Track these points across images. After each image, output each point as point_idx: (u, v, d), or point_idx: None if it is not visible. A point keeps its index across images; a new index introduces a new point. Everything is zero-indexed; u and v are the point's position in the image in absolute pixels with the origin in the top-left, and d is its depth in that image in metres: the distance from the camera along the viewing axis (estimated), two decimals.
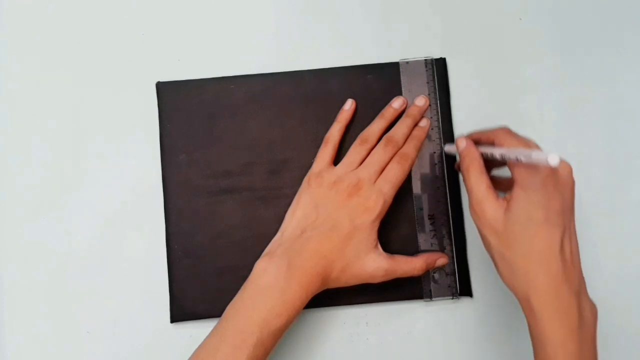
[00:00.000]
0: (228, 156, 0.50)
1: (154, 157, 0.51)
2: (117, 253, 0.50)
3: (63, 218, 0.51)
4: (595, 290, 0.50)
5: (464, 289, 0.49)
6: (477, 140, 0.44)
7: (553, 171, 0.39)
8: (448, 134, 0.51)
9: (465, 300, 0.50)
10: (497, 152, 0.41)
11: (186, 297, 0.49)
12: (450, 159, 0.50)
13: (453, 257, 0.49)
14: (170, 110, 0.51)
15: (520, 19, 0.53)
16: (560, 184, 0.39)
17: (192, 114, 0.51)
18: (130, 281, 0.50)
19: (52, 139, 0.51)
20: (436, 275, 0.49)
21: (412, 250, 0.49)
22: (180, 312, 0.49)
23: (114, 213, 0.51)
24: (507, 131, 0.42)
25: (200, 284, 0.49)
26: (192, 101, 0.51)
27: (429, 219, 0.49)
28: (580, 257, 0.41)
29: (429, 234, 0.49)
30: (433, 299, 0.49)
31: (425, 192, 0.50)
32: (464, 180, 0.43)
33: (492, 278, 0.50)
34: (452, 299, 0.49)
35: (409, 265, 0.46)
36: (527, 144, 0.41)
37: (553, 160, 0.35)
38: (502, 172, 0.46)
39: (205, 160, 0.50)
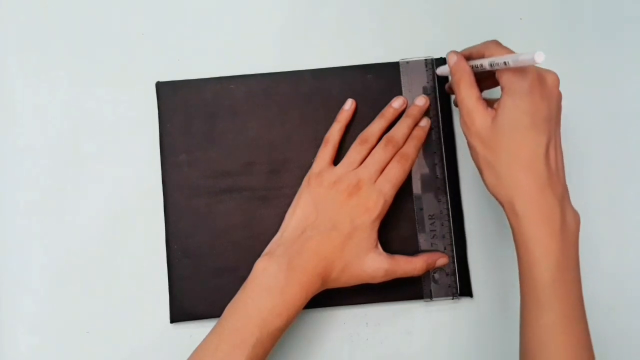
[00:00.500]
0: (228, 156, 0.50)
1: (154, 157, 0.51)
2: (117, 253, 0.50)
3: (63, 218, 0.51)
4: (595, 289, 0.50)
5: (464, 289, 0.49)
6: (468, 55, 0.44)
7: (540, 78, 0.40)
8: (449, 134, 0.50)
9: (465, 300, 0.50)
10: (486, 62, 0.42)
11: (186, 297, 0.49)
12: (449, 144, 0.50)
13: (453, 257, 0.49)
14: (170, 110, 0.51)
15: (521, 19, 0.53)
16: (546, 92, 0.40)
17: (192, 114, 0.51)
18: (130, 281, 0.50)
19: (51, 139, 0.51)
20: (436, 276, 0.49)
21: (412, 250, 0.49)
22: (180, 312, 0.49)
23: (114, 213, 0.51)
24: (496, 43, 0.43)
25: (200, 284, 0.49)
26: (192, 101, 0.51)
27: (429, 219, 0.49)
28: (578, 231, 0.41)
29: (429, 234, 0.49)
30: (433, 299, 0.49)
31: (426, 192, 0.50)
32: (455, 93, 0.43)
33: (492, 278, 0.50)
34: (452, 299, 0.49)
35: (410, 265, 0.46)
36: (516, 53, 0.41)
37: (539, 57, 0.36)
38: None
39: (205, 160, 0.50)
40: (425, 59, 0.51)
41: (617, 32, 0.53)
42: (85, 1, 0.53)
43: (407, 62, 0.51)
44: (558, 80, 0.41)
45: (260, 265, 0.43)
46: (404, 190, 0.49)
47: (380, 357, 0.49)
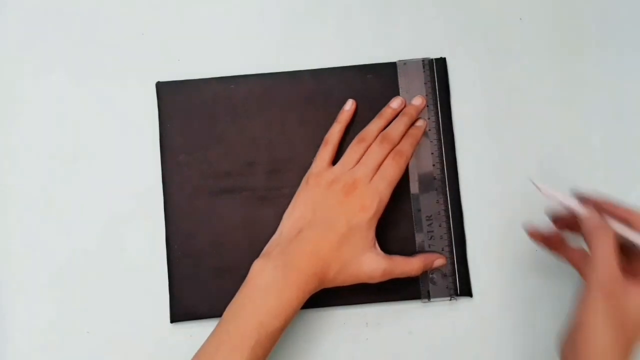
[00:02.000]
0: (228, 156, 0.50)
1: (154, 157, 0.51)
2: (117, 253, 0.50)
3: (63, 218, 0.51)
4: None
5: (464, 289, 0.49)
6: (604, 208, 0.39)
7: None
8: (448, 134, 0.50)
9: (464, 301, 0.50)
10: (638, 239, 0.37)
11: (186, 297, 0.49)
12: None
13: (452, 258, 0.49)
14: (170, 110, 0.51)
15: (521, 19, 0.53)
16: None
17: (192, 114, 0.51)
18: (130, 281, 0.50)
19: (51, 139, 0.52)
20: (434, 276, 0.49)
21: (410, 250, 0.49)
22: (180, 312, 0.49)
23: (114, 213, 0.51)
24: None
25: (200, 284, 0.49)
26: (192, 101, 0.51)
27: (427, 219, 0.49)
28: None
29: (426, 235, 0.49)
30: (431, 299, 0.49)
31: (423, 192, 0.50)
32: (593, 250, 0.37)
33: (492, 278, 0.50)
34: (450, 300, 0.49)
35: (407, 266, 0.46)
36: None
37: None
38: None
39: (205, 160, 0.50)
40: (423, 60, 0.51)
41: (617, 32, 0.53)
42: (85, 1, 0.53)
43: (405, 63, 0.51)
44: None
45: (257, 266, 0.44)
46: (401, 191, 0.49)
47: (380, 357, 0.49)
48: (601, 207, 0.39)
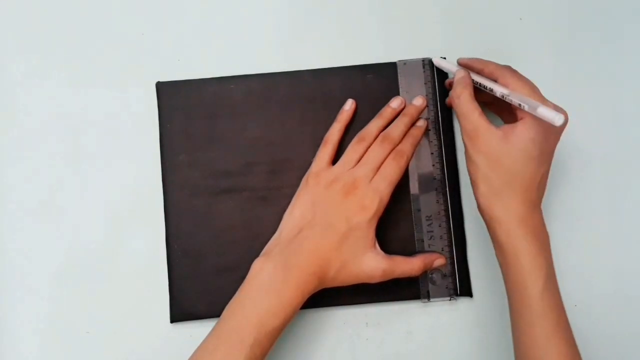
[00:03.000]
0: (228, 156, 0.50)
1: (154, 157, 0.51)
2: (117, 253, 0.50)
3: (63, 218, 0.51)
4: (594, 289, 0.50)
5: (464, 289, 0.49)
6: (478, 69, 0.46)
7: None
8: (448, 135, 0.50)
9: (464, 301, 0.50)
10: (498, 91, 0.44)
11: (186, 297, 0.49)
12: (450, 156, 0.50)
13: (452, 258, 0.49)
14: (170, 110, 0.51)
15: (521, 18, 0.53)
16: (556, 128, 0.42)
17: (192, 114, 0.51)
18: (130, 281, 0.50)
19: (52, 139, 0.52)
20: (434, 277, 0.49)
21: (410, 250, 0.49)
22: (180, 312, 0.49)
23: (114, 213, 0.51)
24: (513, 72, 0.44)
25: (200, 284, 0.49)
26: (192, 101, 0.51)
27: (427, 220, 0.49)
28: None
29: (426, 235, 0.49)
30: (431, 299, 0.49)
31: (423, 193, 0.50)
32: (455, 105, 0.45)
33: (492, 278, 0.50)
34: (450, 300, 0.49)
35: (407, 266, 0.46)
36: (533, 89, 0.43)
37: (558, 121, 0.39)
38: None
39: (205, 160, 0.50)
40: (423, 60, 0.51)
41: (617, 32, 0.53)
42: (85, 1, 0.53)
43: (405, 63, 0.51)
44: (567, 119, 0.42)
45: (257, 265, 0.44)
46: (401, 191, 0.49)
47: (381, 357, 0.49)
48: (477, 70, 0.47)
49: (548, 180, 0.44)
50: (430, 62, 0.51)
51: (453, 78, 0.47)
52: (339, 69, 0.51)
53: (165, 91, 0.51)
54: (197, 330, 0.46)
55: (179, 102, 0.51)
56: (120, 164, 0.51)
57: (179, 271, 0.49)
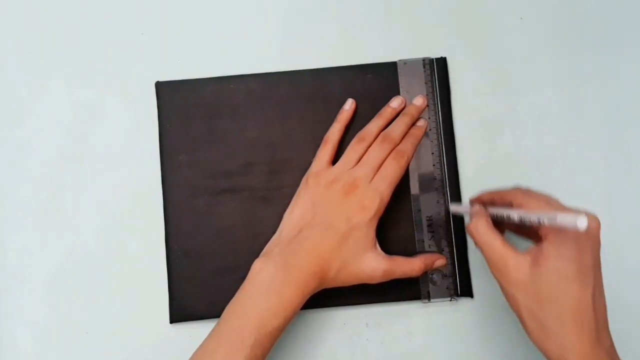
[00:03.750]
0: (228, 156, 0.50)
1: (154, 157, 0.51)
2: (116, 253, 0.50)
3: (62, 218, 0.51)
4: None
5: (465, 290, 0.49)
6: (491, 201, 0.44)
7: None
8: (448, 134, 0.50)
9: (465, 301, 0.50)
10: (515, 215, 0.40)
11: (186, 298, 0.49)
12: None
13: (452, 258, 0.49)
14: (169, 110, 0.51)
15: (521, 18, 0.53)
16: (590, 238, 0.38)
17: (192, 114, 0.51)
18: (130, 281, 0.50)
19: (51, 139, 0.51)
20: (434, 277, 0.49)
21: (410, 251, 0.49)
22: (179, 312, 0.49)
23: (114, 213, 0.51)
24: (524, 191, 0.41)
25: (199, 284, 0.49)
26: (191, 101, 0.51)
27: (427, 220, 0.49)
28: None
29: (427, 235, 0.49)
30: (431, 300, 0.49)
31: (424, 193, 0.50)
32: (476, 239, 0.41)
33: (492, 279, 0.50)
34: (451, 300, 0.49)
35: (408, 266, 0.46)
36: (549, 202, 0.40)
37: (582, 224, 0.34)
38: None
39: (205, 160, 0.50)
40: (423, 59, 0.51)
41: (617, 32, 0.53)
42: (85, 1, 0.53)
43: (405, 62, 0.51)
44: (599, 224, 0.38)
45: (257, 265, 0.43)
46: (402, 191, 0.49)
47: (381, 357, 0.49)
48: (490, 202, 0.44)
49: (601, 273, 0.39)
50: (430, 61, 0.51)
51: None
52: (339, 69, 0.51)
53: (165, 91, 0.51)
54: (197, 331, 0.46)
55: (178, 102, 0.51)
56: (120, 164, 0.51)
57: (179, 271, 0.49)
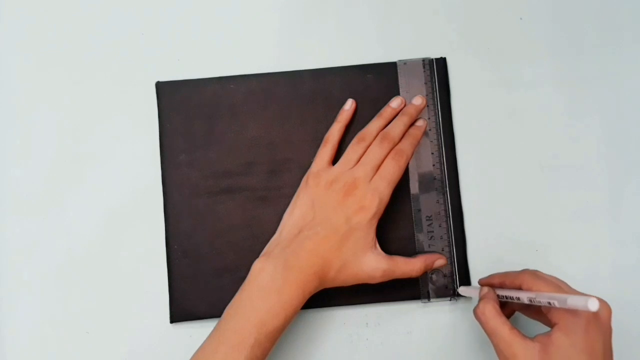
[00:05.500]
0: (228, 156, 0.50)
1: (154, 157, 0.51)
2: (116, 253, 0.50)
3: (62, 218, 0.51)
4: (592, 290, 0.50)
5: None
6: (500, 284, 0.44)
7: (595, 314, 0.38)
8: (448, 134, 0.50)
9: (465, 301, 0.50)
10: (524, 297, 0.40)
11: (186, 298, 0.49)
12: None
13: (452, 258, 0.49)
14: (170, 110, 0.51)
15: (521, 18, 0.53)
16: (601, 326, 0.38)
17: (192, 113, 0.51)
18: (130, 281, 0.50)
19: (51, 139, 0.51)
20: (434, 277, 0.49)
21: (410, 251, 0.49)
22: (179, 312, 0.49)
23: (114, 213, 0.51)
24: (533, 274, 0.41)
25: (199, 284, 0.49)
26: (191, 101, 0.51)
27: (427, 220, 0.49)
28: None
29: (426, 235, 0.49)
30: (431, 300, 0.49)
31: (423, 193, 0.50)
32: (483, 324, 0.41)
33: None
34: (450, 300, 0.49)
35: (408, 266, 0.46)
36: (558, 286, 0.40)
37: (593, 306, 0.34)
38: None
39: (205, 160, 0.50)
40: (423, 59, 0.51)
41: (617, 32, 0.53)
42: (85, 1, 0.53)
43: (405, 63, 0.51)
44: (610, 311, 0.38)
45: (257, 266, 0.44)
46: (401, 191, 0.49)
47: (381, 357, 0.49)
48: (500, 284, 0.44)
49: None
50: (430, 61, 0.51)
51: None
52: (339, 69, 0.51)
53: (165, 91, 0.51)
54: (197, 331, 0.46)
55: (178, 102, 0.51)
56: (120, 163, 0.51)
57: (179, 271, 0.49)
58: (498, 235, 0.50)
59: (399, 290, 0.49)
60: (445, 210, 0.49)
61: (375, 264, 0.45)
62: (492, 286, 0.44)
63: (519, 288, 0.41)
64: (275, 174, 0.50)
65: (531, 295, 0.39)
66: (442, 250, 0.49)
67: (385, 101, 0.50)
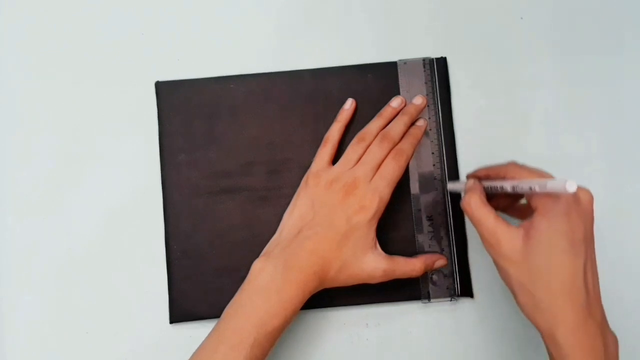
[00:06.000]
0: (228, 156, 0.50)
1: (153, 157, 0.51)
2: (116, 253, 0.50)
3: (62, 218, 0.51)
4: None
5: (465, 290, 0.49)
6: (486, 175, 0.44)
7: (575, 198, 0.38)
8: (448, 134, 0.50)
9: (465, 301, 0.50)
10: (508, 185, 0.41)
11: (185, 298, 0.49)
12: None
13: (452, 258, 0.49)
14: (169, 110, 0.51)
15: (522, 18, 0.53)
16: (582, 211, 0.38)
17: (192, 113, 0.51)
18: (130, 281, 0.50)
19: (51, 139, 0.51)
20: (434, 277, 0.49)
21: (410, 251, 0.49)
22: (179, 312, 0.49)
23: (114, 213, 0.51)
24: (517, 165, 0.42)
25: (199, 284, 0.49)
26: (191, 101, 0.51)
27: (427, 219, 0.49)
28: (618, 354, 0.40)
29: (427, 235, 0.49)
30: (431, 300, 0.49)
31: (424, 192, 0.50)
32: (469, 214, 0.42)
33: (492, 278, 0.50)
34: (451, 300, 0.49)
35: (408, 266, 0.46)
36: (541, 174, 0.40)
37: (571, 187, 0.35)
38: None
39: (205, 160, 0.50)
40: (423, 59, 0.51)
41: (617, 32, 0.53)
42: (85, 1, 0.53)
43: (405, 62, 0.51)
44: (592, 197, 0.39)
45: (257, 265, 0.43)
46: (402, 191, 0.49)
47: (381, 357, 0.49)
48: (485, 177, 0.44)
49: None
50: (430, 61, 0.51)
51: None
52: (339, 69, 0.51)
53: (165, 91, 0.51)
54: (197, 331, 0.46)
55: (178, 102, 0.51)
56: (120, 163, 0.51)
57: (179, 271, 0.49)
58: None
59: (399, 291, 0.48)
60: (446, 211, 0.49)
61: (375, 264, 0.45)
62: (479, 178, 0.44)
63: (504, 179, 0.42)
64: (275, 174, 0.50)
65: (514, 182, 0.40)
66: (443, 250, 0.49)
67: (385, 101, 0.50)
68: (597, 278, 0.39)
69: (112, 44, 0.53)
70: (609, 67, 0.52)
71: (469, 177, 0.46)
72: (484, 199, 0.41)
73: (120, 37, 0.53)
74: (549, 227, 0.38)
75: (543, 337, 0.39)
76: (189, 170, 0.50)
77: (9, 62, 0.53)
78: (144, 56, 0.52)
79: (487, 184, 0.43)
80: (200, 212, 0.50)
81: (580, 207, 0.38)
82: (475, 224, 0.41)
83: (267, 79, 0.51)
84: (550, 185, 0.36)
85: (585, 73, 0.52)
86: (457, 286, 0.49)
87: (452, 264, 0.49)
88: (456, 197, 0.50)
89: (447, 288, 0.49)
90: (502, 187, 0.41)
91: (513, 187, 0.40)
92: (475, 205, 0.41)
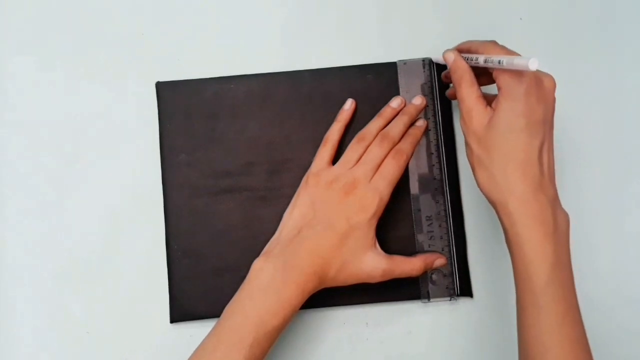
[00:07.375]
0: (228, 156, 0.50)
1: (154, 157, 0.51)
2: (116, 253, 0.50)
3: (63, 218, 0.51)
4: (592, 289, 0.50)
5: (464, 289, 0.49)
6: (465, 50, 0.45)
7: (537, 80, 0.40)
8: (447, 135, 0.50)
9: (465, 301, 0.50)
10: (481, 58, 0.42)
11: (186, 297, 0.49)
12: (449, 145, 0.51)
13: (452, 258, 0.49)
14: (170, 110, 0.51)
15: (521, 18, 0.53)
16: (543, 95, 0.41)
17: (192, 113, 0.51)
18: (130, 281, 0.50)
19: (51, 139, 0.52)
20: (434, 277, 0.49)
21: (410, 251, 0.49)
22: (179, 312, 0.49)
23: (114, 213, 0.51)
24: (495, 43, 0.43)
25: (199, 284, 0.49)
26: (191, 101, 0.51)
27: (427, 219, 0.49)
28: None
29: (426, 235, 0.49)
30: (431, 300, 0.49)
31: (423, 193, 0.50)
32: (456, 91, 0.43)
33: (492, 278, 0.50)
34: (450, 300, 0.49)
35: (408, 266, 0.46)
36: (514, 53, 0.41)
37: (533, 65, 0.37)
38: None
39: (205, 160, 0.50)
40: (423, 59, 0.51)
41: (617, 32, 0.53)
42: (85, 1, 0.53)
43: (405, 63, 0.51)
44: (555, 83, 0.41)
45: (257, 265, 0.44)
46: (401, 191, 0.49)
47: (380, 357, 0.49)
48: (464, 51, 0.45)
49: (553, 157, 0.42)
50: (430, 62, 0.51)
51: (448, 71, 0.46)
52: (338, 69, 0.51)
53: (165, 91, 0.51)
54: (197, 330, 0.46)
55: (178, 102, 0.51)
56: (120, 163, 0.51)
57: (179, 271, 0.49)
58: (498, 235, 0.50)
59: (399, 290, 0.49)
60: (445, 210, 0.50)
61: (375, 264, 0.45)
62: (460, 51, 0.45)
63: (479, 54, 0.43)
64: (275, 174, 0.50)
65: (487, 56, 0.42)
66: (442, 250, 0.49)
67: (385, 101, 0.50)
68: (553, 158, 0.42)
69: (113, 44, 0.53)
70: (609, 68, 0.52)
71: (450, 50, 0.46)
72: (473, 80, 0.43)
73: (121, 37, 0.53)
74: (509, 107, 0.40)
75: (497, 211, 0.41)
76: (189, 170, 0.50)
77: (10, 61, 0.53)
78: (145, 56, 0.52)
79: (465, 55, 0.44)
80: (200, 212, 0.50)
81: (542, 91, 0.41)
82: (459, 101, 0.43)
83: (267, 79, 0.51)
84: (517, 61, 0.38)
85: (585, 73, 0.52)
86: (457, 286, 0.49)
87: (452, 264, 0.49)
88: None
89: (447, 288, 0.49)
90: (475, 59, 0.43)
91: (485, 60, 0.42)
92: (465, 84, 0.43)
